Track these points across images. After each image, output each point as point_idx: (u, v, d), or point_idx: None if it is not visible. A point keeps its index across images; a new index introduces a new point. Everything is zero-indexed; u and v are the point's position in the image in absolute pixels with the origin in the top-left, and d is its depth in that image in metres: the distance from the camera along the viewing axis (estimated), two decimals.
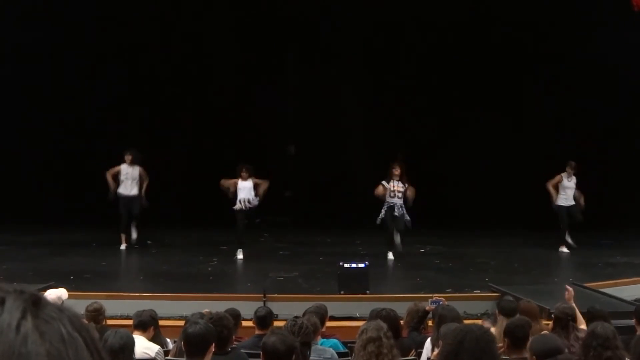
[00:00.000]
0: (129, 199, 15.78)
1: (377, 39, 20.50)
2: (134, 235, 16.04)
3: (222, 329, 5.71)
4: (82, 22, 19.07)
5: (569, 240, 16.04)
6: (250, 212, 14.94)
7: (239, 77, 20.81)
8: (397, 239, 15.04)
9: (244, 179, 14.83)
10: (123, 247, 15.92)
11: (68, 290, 10.90)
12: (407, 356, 6.82)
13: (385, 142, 20.19)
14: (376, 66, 20.69)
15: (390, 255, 15.01)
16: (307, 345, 5.68)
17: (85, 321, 0.94)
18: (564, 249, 16.00)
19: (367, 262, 12.33)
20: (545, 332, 7.07)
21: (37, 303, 0.89)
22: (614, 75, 18.23)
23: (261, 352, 4.91)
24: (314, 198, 19.97)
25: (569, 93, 19.12)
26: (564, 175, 15.95)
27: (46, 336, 0.86)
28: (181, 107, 20.70)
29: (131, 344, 5.22)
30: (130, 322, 7.49)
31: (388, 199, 14.91)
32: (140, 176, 15.81)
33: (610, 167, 18.62)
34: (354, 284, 11.79)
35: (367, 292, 11.78)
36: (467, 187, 19.55)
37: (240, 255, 15.00)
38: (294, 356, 4.89)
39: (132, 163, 15.78)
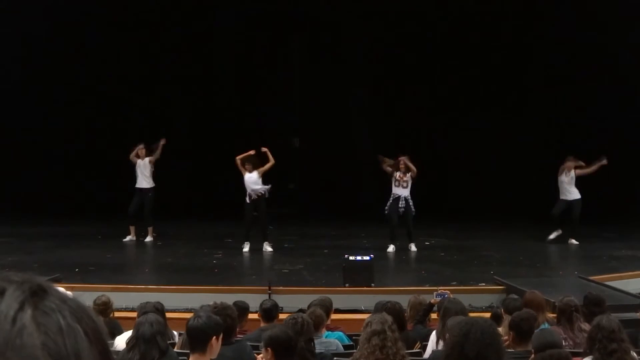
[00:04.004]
0: (143, 192, 15.82)
1: (381, 32, 20.47)
2: (148, 238, 16.04)
3: (225, 318, 5.74)
4: (86, 15, 19.09)
5: (552, 235, 16.06)
6: (260, 202, 14.92)
7: (243, 70, 20.82)
8: (412, 247, 15.11)
9: (250, 172, 14.84)
10: (127, 238, 15.93)
11: (73, 283, 10.96)
12: (412, 349, 6.83)
13: (390, 134, 20.20)
14: (381, 59, 20.67)
15: (391, 248, 15.02)
16: (310, 340, 5.68)
17: (92, 312, 0.94)
18: (574, 241, 15.99)
19: (372, 255, 12.33)
20: (546, 324, 7.09)
21: (38, 294, 0.88)
22: (617, 70, 18.21)
23: (262, 344, 4.92)
24: (319, 191, 19.97)
25: (573, 86, 19.08)
26: (566, 166, 15.96)
27: (43, 328, 0.85)
28: (185, 99, 20.71)
29: (163, 329, 5.23)
30: (135, 314, 7.49)
31: (394, 189, 14.97)
32: (150, 163, 15.84)
33: (614, 160, 18.57)
34: (359, 276, 11.80)
35: (372, 284, 11.79)
36: (472, 180, 19.55)
37: (246, 248, 15.01)
38: (296, 345, 4.93)
39: (144, 157, 15.83)
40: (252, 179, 14.85)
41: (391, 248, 15.03)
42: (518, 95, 20.03)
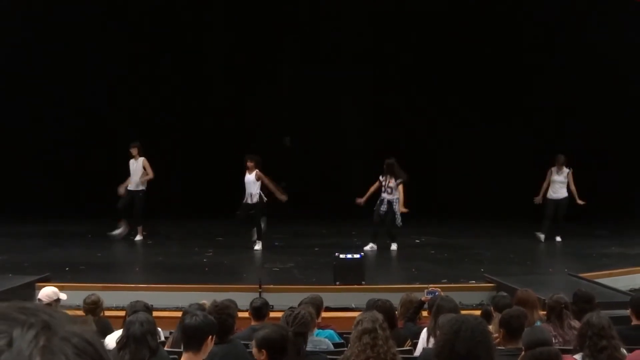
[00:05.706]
0: (133, 193, 15.73)
1: (373, 32, 20.47)
2: (138, 237, 15.94)
3: (227, 317, 5.74)
4: (84, 16, 19.04)
5: (542, 234, 16.12)
6: (250, 206, 14.88)
7: (235, 69, 20.80)
8: (393, 246, 15.11)
9: (250, 172, 14.79)
10: (116, 232, 15.85)
11: (63, 282, 10.93)
12: (403, 347, 6.83)
13: (381, 133, 20.21)
14: (372, 58, 20.67)
15: (369, 247, 14.92)
16: (301, 335, 5.65)
17: (95, 340, 0.99)
18: (558, 238, 16.07)
19: (362, 253, 12.35)
20: (538, 322, 7.10)
21: (43, 334, 0.94)
22: (608, 70, 18.24)
23: (255, 345, 4.91)
24: (310, 189, 19.95)
25: (564, 86, 19.09)
26: (553, 169, 16.05)
27: None
28: (177, 99, 20.67)
29: (153, 328, 5.24)
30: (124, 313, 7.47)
31: (381, 193, 15.04)
32: (144, 167, 15.72)
33: (604, 158, 18.62)
34: (350, 274, 11.81)
35: (363, 282, 11.81)
36: (463, 178, 19.56)
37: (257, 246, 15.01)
38: (287, 345, 4.91)
39: (138, 156, 15.72)
40: (249, 182, 14.83)
41: (369, 247, 14.95)
42: (518, 96, 20.01)
